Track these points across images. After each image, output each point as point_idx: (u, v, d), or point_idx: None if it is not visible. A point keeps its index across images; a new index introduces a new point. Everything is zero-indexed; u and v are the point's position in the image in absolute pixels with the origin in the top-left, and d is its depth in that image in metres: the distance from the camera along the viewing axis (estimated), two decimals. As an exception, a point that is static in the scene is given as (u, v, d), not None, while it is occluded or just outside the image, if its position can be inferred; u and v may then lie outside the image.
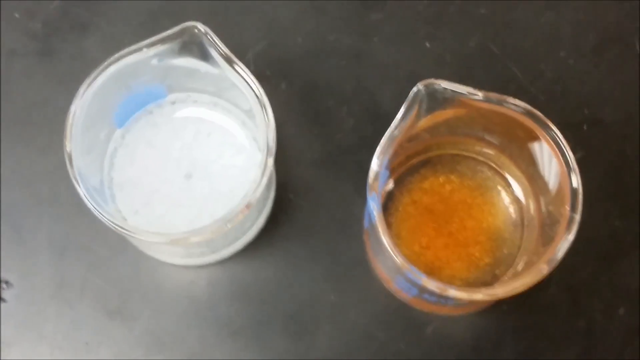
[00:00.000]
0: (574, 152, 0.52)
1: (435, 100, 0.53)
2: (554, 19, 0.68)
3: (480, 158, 0.61)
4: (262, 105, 0.54)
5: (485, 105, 0.53)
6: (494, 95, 0.53)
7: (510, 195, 0.60)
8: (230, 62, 0.54)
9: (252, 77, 0.54)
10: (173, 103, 0.61)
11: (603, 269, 0.63)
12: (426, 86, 0.52)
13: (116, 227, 0.52)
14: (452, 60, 0.67)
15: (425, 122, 0.54)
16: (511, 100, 0.53)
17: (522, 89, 0.66)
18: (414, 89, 0.52)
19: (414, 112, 0.53)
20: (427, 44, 0.67)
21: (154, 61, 0.55)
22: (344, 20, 0.68)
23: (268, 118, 0.54)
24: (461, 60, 0.67)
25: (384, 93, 0.66)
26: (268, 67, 0.66)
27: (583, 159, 0.62)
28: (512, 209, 0.60)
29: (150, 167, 0.60)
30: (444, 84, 0.52)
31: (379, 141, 0.52)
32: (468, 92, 0.53)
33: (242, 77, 0.54)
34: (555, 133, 0.53)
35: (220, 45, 0.54)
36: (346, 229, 0.63)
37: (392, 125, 0.52)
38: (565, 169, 0.52)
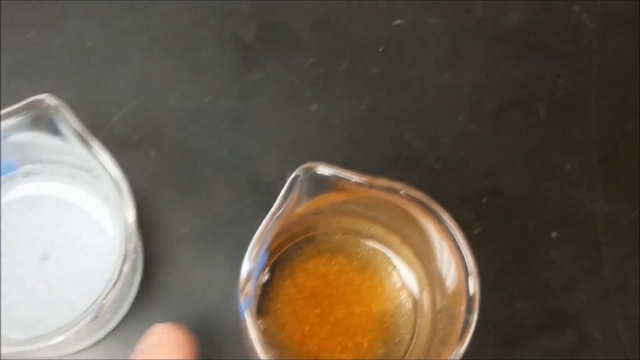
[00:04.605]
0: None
1: (318, 185, 0.49)
2: (452, 79, 0.65)
3: (370, 238, 0.57)
4: (121, 194, 0.48)
5: (373, 193, 0.49)
6: (382, 182, 0.48)
7: (402, 278, 0.57)
8: (84, 141, 0.49)
9: (110, 161, 0.49)
10: (26, 175, 0.56)
11: (502, 356, 0.60)
12: (306, 170, 0.48)
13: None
14: (340, 124, 0.63)
15: (305, 207, 0.50)
16: (402, 188, 0.49)
17: (417, 157, 0.63)
18: (293, 174, 0.48)
19: (293, 198, 0.48)
20: (313, 107, 0.63)
21: (-2, 137, 0.50)
22: (222, 80, 0.64)
23: (127, 213, 0.48)
24: (350, 124, 0.63)
25: (265, 161, 0.62)
26: (136, 131, 0.62)
27: (482, 234, 0.60)
28: (404, 294, 0.57)
29: (-1, 248, 0.55)
30: (326, 170, 0.48)
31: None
32: (352, 178, 0.48)
33: (98, 160, 0.49)
34: (454, 232, 0.48)
35: (73, 122, 0.49)
36: (221, 314, 0.59)
37: (267, 217, 0.48)
38: (462, 272, 0.47)
